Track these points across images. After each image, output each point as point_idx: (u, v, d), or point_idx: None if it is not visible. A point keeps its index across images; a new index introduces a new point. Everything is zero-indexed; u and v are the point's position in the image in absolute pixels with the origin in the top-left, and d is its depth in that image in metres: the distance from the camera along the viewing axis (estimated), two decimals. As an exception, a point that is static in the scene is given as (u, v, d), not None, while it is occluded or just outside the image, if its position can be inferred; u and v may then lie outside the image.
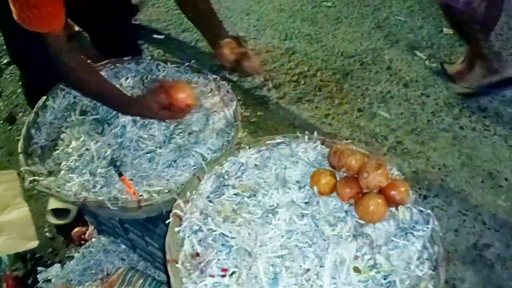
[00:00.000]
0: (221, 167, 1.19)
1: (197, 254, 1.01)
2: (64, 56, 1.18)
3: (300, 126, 2.00)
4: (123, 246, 1.52)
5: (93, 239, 1.57)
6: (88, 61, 1.26)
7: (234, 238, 1.02)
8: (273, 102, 2.15)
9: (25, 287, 1.02)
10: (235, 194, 1.12)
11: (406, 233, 1.02)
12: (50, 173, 1.22)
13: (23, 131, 1.28)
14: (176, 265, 0.97)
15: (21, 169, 1.18)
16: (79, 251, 1.55)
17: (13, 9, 1.10)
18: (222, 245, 1.01)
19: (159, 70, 1.46)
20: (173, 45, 2.44)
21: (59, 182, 1.18)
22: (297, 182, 1.14)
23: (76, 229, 1.63)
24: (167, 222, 1.07)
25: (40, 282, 1.45)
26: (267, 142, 1.25)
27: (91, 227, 1.60)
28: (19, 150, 1.23)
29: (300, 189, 1.12)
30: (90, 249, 1.54)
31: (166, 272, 1.39)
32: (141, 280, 1.41)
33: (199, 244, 1.02)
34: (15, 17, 1.10)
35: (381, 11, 2.75)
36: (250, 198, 1.11)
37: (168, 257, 0.99)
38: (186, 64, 1.50)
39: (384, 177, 1.05)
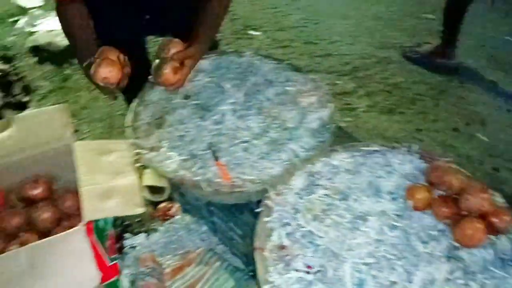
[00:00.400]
0: (313, 167, 1.20)
1: (284, 247, 1.03)
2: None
3: (389, 138, 1.95)
4: (205, 227, 1.58)
5: (177, 216, 1.65)
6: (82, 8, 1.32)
7: (322, 237, 1.03)
8: (363, 110, 2.13)
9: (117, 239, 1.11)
10: (325, 195, 1.13)
11: (505, 265, 0.97)
12: (152, 149, 1.30)
13: (132, 106, 1.38)
14: (264, 253, 0.99)
15: (129, 141, 1.27)
16: (164, 225, 1.63)
17: None
18: (310, 242, 1.02)
19: (260, 65, 1.50)
20: (267, 42, 2.49)
21: (160, 158, 1.25)
22: (390, 193, 1.12)
23: (162, 204, 1.72)
24: (256, 210, 1.11)
25: (127, 247, 1.55)
26: (362, 148, 1.24)
27: (176, 205, 1.67)
28: (128, 124, 1.32)
29: (393, 201, 1.09)
30: (174, 225, 1.62)
31: (245, 259, 1.44)
32: (218, 263, 1.46)
33: (287, 237, 1.04)
34: None
35: (487, 30, 2.60)
36: (341, 201, 1.11)
37: (256, 244, 1.02)
38: (286, 62, 1.52)
39: (487, 202, 1.00)
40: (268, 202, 1.10)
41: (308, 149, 1.27)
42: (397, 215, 1.06)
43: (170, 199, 1.76)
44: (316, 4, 2.66)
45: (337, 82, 2.24)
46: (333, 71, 2.30)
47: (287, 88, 1.40)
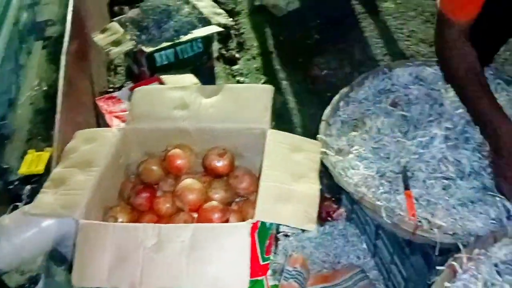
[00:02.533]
0: (529, 240, 0.93)
1: (458, 327, 0.83)
2: (453, 47, 1.10)
3: None
4: (364, 245, 1.45)
5: (339, 221, 1.54)
6: (476, 65, 1.09)
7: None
8: None
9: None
10: (535, 284, 0.86)
11: None
12: (339, 151, 1.19)
13: (334, 99, 1.28)
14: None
15: (318, 136, 1.19)
16: (322, 224, 1.55)
17: None
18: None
19: (497, 91, 1.22)
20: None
21: (344, 164, 1.14)
22: None
23: (327, 203, 1.63)
24: (437, 268, 0.92)
25: (280, 234, 1.53)
26: None
27: (342, 210, 1.57)
28: (323, 118, 1.23)
29: None
30: (333, 228, 1.52)
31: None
32: (367, 289, 1.33)
33: (465, 318, 0.83)
34: None
35: None
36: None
37: (425, 310, 0.84)
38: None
39: None
40: (455, 263, 0.90)
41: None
42: None
43: (338, 200, 1.66)
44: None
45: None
46: None
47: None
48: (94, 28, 1.94)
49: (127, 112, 1.17)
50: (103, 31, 1.91)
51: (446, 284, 0.88)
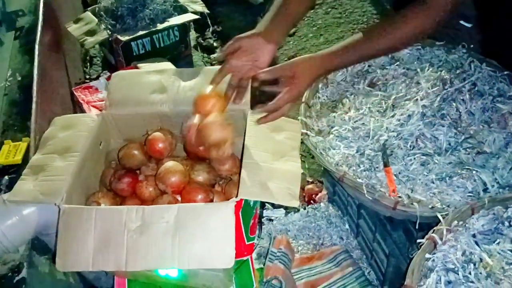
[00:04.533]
0: (505, 210, 0.96)
1: (439, 296, 0.85)
2: None
3: None
4: (347, 226, 1.47)
5: (321, 204, 1.56)
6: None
7: (492, 304, 0.82)
8: None
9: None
10: (511, 251, 0.90)
11: None
12: (319, 132, 1.20)
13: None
14: (414, 296, 0.84)
15: (299, 118, 1.20)
16: (306, 207, 1.57)
17: None
18: (474, 303, 0.83)
19: (471, 69, 1.25)
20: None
21: (325, 145, 1.15)
22: None
23: (310, 186, 1.65)
24: (418, 241, 0.94)
25: (264, 218, 1.54)
26: None
27: (324, 192, 1.59)
28: (303, 99, 1.24)
29: None
30: (316, 211, 1.54)
31: (381, 278, 1.29)
32: (350, 268, 1.35)
33: (446, 286, 0.86)
34: None
35: None
36: (531, 266, 0.87)
37: (407, 281, 0.86)
38: (505, 72, 1.24)
39: None
40: (435, 235, 0.92)
41: (504, 186, 1.03)
42: None
43: (320, 182, 1.68)
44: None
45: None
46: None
47: (498, 105, 1.15)
48: (67, 19, 1.90)
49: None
50: (77, 21, 1.88)
51: (427, 255, 0.90)
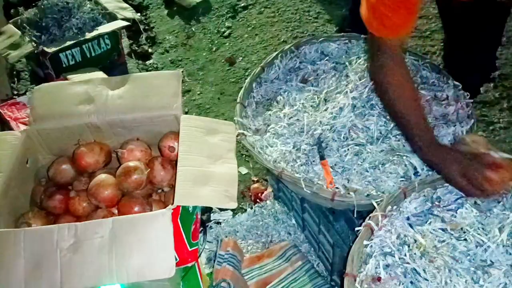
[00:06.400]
0: (434, 191, 1.01)
1: (379, 279, 0.88)
2: (387, 67, 1.04)
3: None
4: (293, 221, 1.49)
5: (268, 201, 1.58)
6: (410, 81, 1.07)
7: (427, 280, 0.86)
8: (503, 126, 1.81)
9: (202, 222, 1.07)
10: (442, 230, 0.94)
11: None
12: (256, 131, 1.21)
13: (246, 82, 1.30)
14: (355, 283, 0.86)
15: (235, 118, 1.20)
16: (252, 207, 1.58)
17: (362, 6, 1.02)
18: (411, 283, 0.87)
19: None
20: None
21: (262, 143, 1.16)
22: (529, 246, 0.90)
23: (255, 185, 1.66)
24: (356, 228, 0.97)
25: (212, 222, 1.53)
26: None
27: (269, 190, 1.60)
28: (238, 100, 1.25)
29: (531, 257, 0.88)
30: (263, 210, 1.55)
31: (329, 268, 1.32)
32: (300, 262, 1.37)
33: (385, 270, 0.89)
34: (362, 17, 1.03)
35: None
36: (460, 242, 0.92)
37: (348, 269, 0.89)
38: (427, 61, 1.31)
39: None
40: (371, 222, 0.95)
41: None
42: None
43: (265, 181, 1.69)
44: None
45: (478, 88, 1.94)
46: (475, 75, 2.00)
47: (423, 92, 1.21)
48: (-12, 33, 1.79)
49: (30, 116, 1.10)
50: (-2, 35, 1.78)
51: (365, 242, 0.93)
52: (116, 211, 0.91)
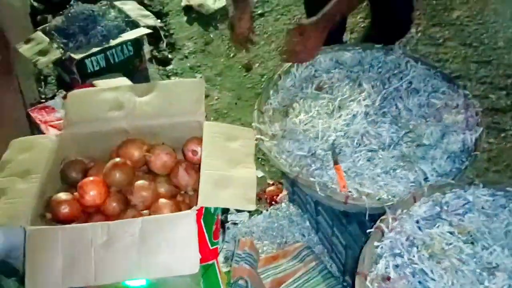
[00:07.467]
0: (443, 196, 1.06)
1: (389, 279, 0.94)
2: None
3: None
4: (307, 223, 1.55)
5: (282, 204, 1.64)
6: None
7: (434, 281, 0.92)
8: (516, 133, 1.84)
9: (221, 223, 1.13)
10: (450, 233, 0.99)
11: None
12: (273, 136, 1.27)
13: (264, 89, 1.36)
14: (366, 281, 0.92)
15: (253, 124, 1.26)
16: (268, 209, 1.64)
17: None
18: (419, 283, 0.92)
19: (407, 68, 1.35)
20: (419, 37, 2.26)
21: (279, 148, 1.22)
22: (533, 250, 0.94)
23: (271, 188, 1.72)
24: (368, 230, 1.03)
25: (229, 223, 1.59)
26: (508, 188, 1.06)
27: (284, 193, 1.66)
28: (256, 107, 1.31)
29: (534, 261, 0.92)
30: (278, 212, 1.61)
31: (342, 268, 1.37)
32: (313, 263, 1.42)
33: (395, 270, 0.94)
34: None
35: None
36: (467, 245, 0.97)
37: (359, 268, 0.94)
38: (438, 70, 1.36)
39: None
40: (382, 225, 1.01)
41: (441, 174, 1.13)
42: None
43: (280, 184, 1.75)
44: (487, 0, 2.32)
45: (490, 96, 1.96)
46: (487, 82, 2.02)
47: (433, 100, 1.26)
48: (18, 39, 1.89)
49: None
50: (28, 41, 1.87)
51: (376, 243, 0.98)
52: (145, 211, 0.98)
